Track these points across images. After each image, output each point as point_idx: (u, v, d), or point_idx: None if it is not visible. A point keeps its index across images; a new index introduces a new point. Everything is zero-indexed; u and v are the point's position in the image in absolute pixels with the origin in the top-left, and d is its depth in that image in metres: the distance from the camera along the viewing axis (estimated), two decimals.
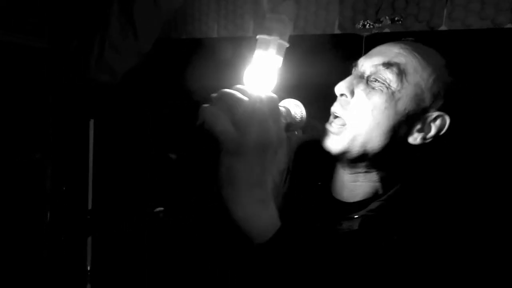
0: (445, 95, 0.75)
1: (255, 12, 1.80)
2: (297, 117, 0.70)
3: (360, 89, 0.75)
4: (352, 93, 0.75)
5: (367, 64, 0.76)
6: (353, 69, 0.80)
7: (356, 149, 0.74)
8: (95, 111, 2.01)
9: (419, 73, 0.73)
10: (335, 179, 0.83)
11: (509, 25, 1.40)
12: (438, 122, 0.75)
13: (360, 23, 1.58)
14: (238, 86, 0.61)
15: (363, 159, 0.76)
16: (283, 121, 0.65)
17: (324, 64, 1.50)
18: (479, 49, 1.41)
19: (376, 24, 1.55)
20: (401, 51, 0.75)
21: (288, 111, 0.69)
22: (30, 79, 1.90)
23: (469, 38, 1.44)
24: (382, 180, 0.78)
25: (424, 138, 0.75)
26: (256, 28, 1.80)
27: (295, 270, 0.59)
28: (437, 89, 0.74)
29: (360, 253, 0.68)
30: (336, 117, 0.77)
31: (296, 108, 0.71)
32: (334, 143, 0.76)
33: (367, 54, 0.79)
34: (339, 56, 1.53)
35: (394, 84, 0.73)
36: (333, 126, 0.76)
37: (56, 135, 2.01)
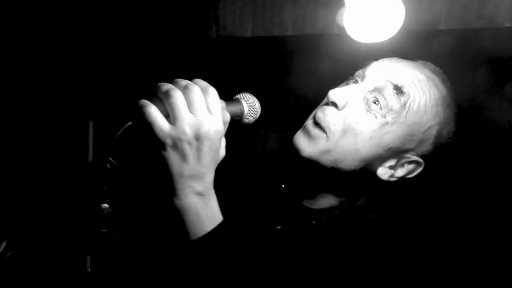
0: (433, 145, 0.71)
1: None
2: (247, 110, 0.69)
3: (354, 106, 0.69)
4: (345, 106, 0.69)
5: (375, 75, 0.69)
6: (355, 76, 0.73)
7: (326, 163, 0.71)
8: (95, 112, 2.01)
9: (420, 113, 0.67)
10: (301, 185, 0.81)
11: (508, 24, 1.40)
12: (411, 166, 0.71)
13: None
14: (177, 79, 0.60)
15: (331, 174, 0.72)
16: (226, 113, 0.63)
17: (322, 64, 1.50)
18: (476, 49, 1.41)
19: None
20: (416, 81, 0.67)
21: (236, 104, 0.68)
22: (30, 79, 1.90)
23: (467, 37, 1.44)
24: (347, 195, 0.76)
25: (391, 176, 0.72)
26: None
27: (233, 267, 0.60)
28: (429, 137, 0.69)
29: (311, 259, 0.68)
30: (317, 123, 0.72)
31: (246, 102, 0.69)
32: (307, 144, 0.71)
33: (378, 63, 0.72)
34: (338, 56, 1.53)
35: (391, 116, 0.67)
36: (313, 128, 0.72)
37: (56, 135, 2.01)
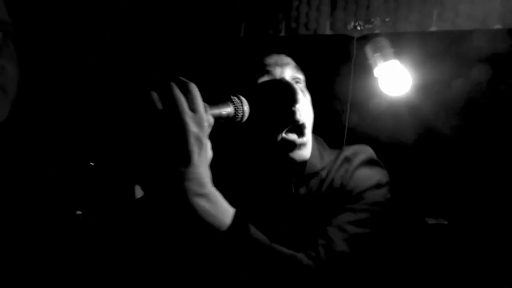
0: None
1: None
2: (233, 111, 0.68)
3: (301, 97, 0.88)
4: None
5: (286, 72, 0.90)
6: (269, 73, 0.89)
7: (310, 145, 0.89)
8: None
9: (296, 70, 0.94)
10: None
11: (497, 26, 1.43)
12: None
13: (351, 24, 1.60)
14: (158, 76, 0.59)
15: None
16: (209, 115, 0.61)
17: (315, 65, 1.52)
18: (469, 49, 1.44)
19: (367, 25, 1.57)
20: (289, 58, 0.94)
21: (221, 106, 0.66)
22: (30, 79, 1.91)
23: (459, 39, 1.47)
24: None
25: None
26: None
27: (262, 249, 0.62)
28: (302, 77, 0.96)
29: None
30: (299, 126, 0.86)
31: (233, 103, 0.68)
32: (306, 152, 0.89)
33: (278, 63, 0.91)
34: (331, 57, 1.55)
35: (306, 90, 0.93)
36: (305, 137, 0.88)
37: (56, 137, 2.02)
